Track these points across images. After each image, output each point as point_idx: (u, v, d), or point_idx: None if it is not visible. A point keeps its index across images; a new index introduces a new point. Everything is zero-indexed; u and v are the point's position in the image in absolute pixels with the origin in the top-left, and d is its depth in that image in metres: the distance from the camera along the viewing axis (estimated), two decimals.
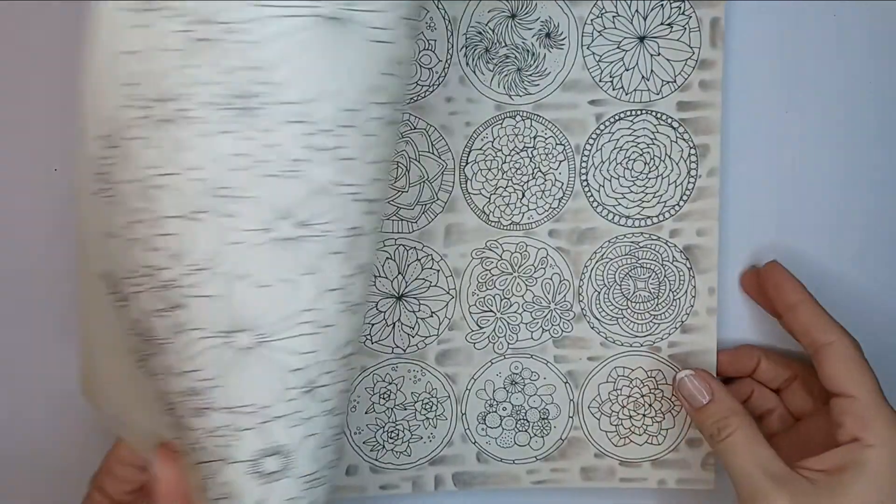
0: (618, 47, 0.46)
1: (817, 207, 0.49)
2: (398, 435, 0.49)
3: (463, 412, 0.50)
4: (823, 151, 0.49)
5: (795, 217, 0.49)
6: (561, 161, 0.47)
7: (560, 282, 0.48)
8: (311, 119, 0.31)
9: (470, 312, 0.49)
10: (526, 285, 0.48)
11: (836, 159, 0.49)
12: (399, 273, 0.48)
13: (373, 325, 0.48)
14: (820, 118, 0.48)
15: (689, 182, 0.47)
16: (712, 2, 0.46)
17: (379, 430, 0.49)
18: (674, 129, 0.47)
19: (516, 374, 0.49)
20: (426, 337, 0.49)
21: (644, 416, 0.50)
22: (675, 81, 0.47)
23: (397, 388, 0.49)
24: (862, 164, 0.49)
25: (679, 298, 0.49)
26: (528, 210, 0.48)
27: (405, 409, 0.49)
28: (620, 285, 0.49)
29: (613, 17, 0.46)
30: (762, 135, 0.48)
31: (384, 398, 0.49)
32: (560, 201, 0.48)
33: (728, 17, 0.46)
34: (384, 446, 0.49)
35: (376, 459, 0.50)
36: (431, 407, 0.49)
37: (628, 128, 0.47)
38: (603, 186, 0.48)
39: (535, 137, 0.47)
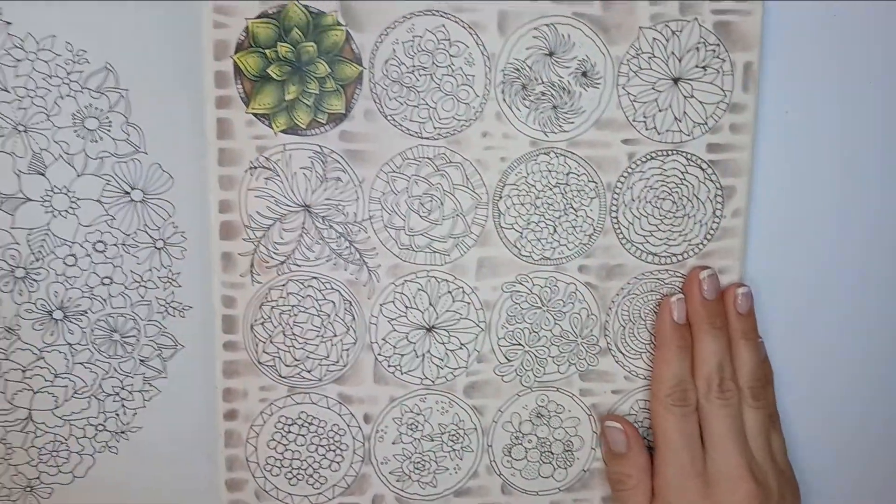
0: (652, 88, 0.47)
1: (843, 249, 0.50)
2: (424, 466, 0.50)
3: (489, 444, 0.50)
4: (853, 194, 0.50)
5: (819, 258, 0.50)
6: (592, 198, 0.48)
7: (588, 316, 0.49)
8: None
9: (499, 345, 0.49)
10: (554, 319, 0.49)
11: (866, 202, 0.50)
12: (430, 305, 0.48)
13: (403, 356, 0.48)
14: (852, 162, 0.50)
15: (713, 222, 0.48)
16: (746, 46, 0.47)
17: (405, 461, 0.49)
18: (702, 169, 0.48)
19: (542, 406, 0.50)
20: (455, 369, 0.49)
21: None
22: (706, 123, 0.48)
23: (425, 419, 0.49)
24: (892, 208, 0.50)
25: None
26: (559, 245, 0.48)
27: (432, 441, 0.49)
28: (645, 321, 0.49)
29: (649, 57, 0.47)
30: (790, 177, 0.49)
31: (411, 429, 0.49)
32: (590, 237, 0.48)
33: (763, 60, 0.47)
34: (410, 477, 0.50)
35: (402, 490, 0.50)
36: (458, 438, 0.50)
37: (659, 167, 0.48)
38: (632, 224, 0.48)
39: (567, 174, 0.48)
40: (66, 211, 0.42)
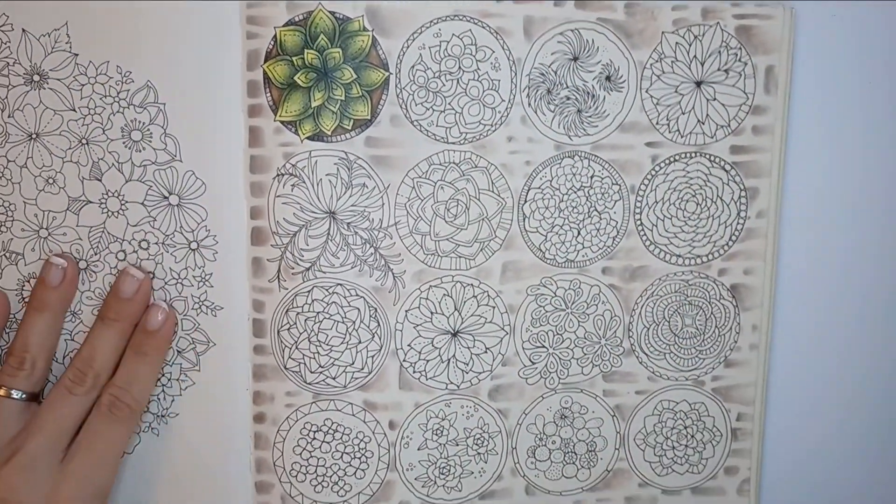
0: (675, 91, 0.47)
1: (872, 247, 0.51)
2: (450, 470, 0.50)
3: (513, 446, 0.50)
4: (887, 195, 0.51)
5: (849, 256, 0.51)
6: (616, 201, 0.48)
7: (611, 318, 0.49)
8: None
9: (523, 348, 0.49)
10: (578, 321, 0.49)
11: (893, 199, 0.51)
12: (455, 310, 0.48)
13: (428, 361, 0.48)
14: (880, 164, 0.50)
15: (738, 223, 0.49)
16: (768, 50, 0.47)
17: (431, 467, 0.49)
18: (726, 171, 0.48)
19: (566, 408, 0.50)
20: (480, 373, 0.49)
21: (686, 446, 0.51)
22: (728, 126, 0.48)
23: (450, 423, 0.49)
24: None
25: (724, 335, 0.50)
26: (583, 248, 0.48)
27: (457, 445, 0.50)
28: (669, 322, 0.50)
29: (672, 62, 0.47)
30: (818, 176, 0.50)
31: (437, 434, 0.49)
32: (614, 240, 0.48)
33: (794, 63, 0.48)
34: (436, 482, 0.50)
35: (427, 495, 0.50)
36: (483, 442, 0.50)
37: (682, 169, 0.48)
38: (656, 226, 0.49)
39: (591, 177, 0.48)
40: (118, 212, 0.46)
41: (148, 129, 0.45)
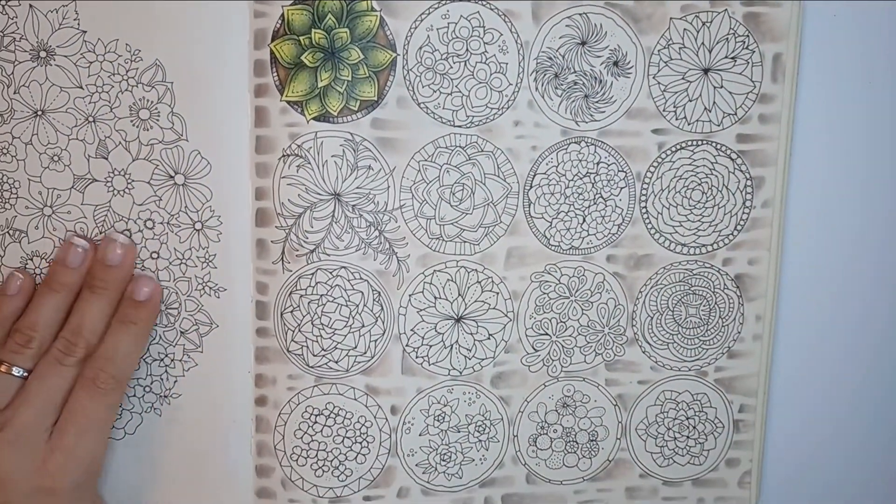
0: (682, 78, 0.47)
1: (877, 237, 0.51)
2: (451, 457, 0.49)
3: (515, 434, 0.50)
4: (887, 185, 0.50)
5: (854, 247, 0.51)
6: (622, 188, 0.48)
7: (615, 306, 0.49)
8: None
9: (526, 335, 0.49)
10: (582, 309, 0.49)
11: None
12: (459, 295, 0.48)
13: (431, 346, 0.48)
14: (887, 154, 0.50)
15: (743, 212, 0.49)
16: (776, 38, 0.47)
17: (432, 453, 0.49)
18: (732, 160, 0.48)
19: (568, 396, 0.50)
20: (482, 359, 0.49)
21: (688, 437, 0.51)
22: (735, 114, 0.48)
23: (452, 410, 0.49)
24: None
25: (727, 325, 0.50)
26: (588, 235, 0.48)
27: (459, 432, 0.49)
28: (673, 311, 0.49)
29: (680, 48, 0.47)
30: (825, 166, 0.50)
31: (438, 420, 0.49)
32: (619, 227, 0.48)
33: (802, 52, 0.48)
34: (436, 469, 0.49)
35: (428, 482, 0.49)
36: (484, 429, 0.49)
37: (688, 157, 0.48)
38: (661, 214, 0.48)
39: (598, 163, 0.48)
40: (124, 191, 0.46)
41: (156, 108, 0.45)
